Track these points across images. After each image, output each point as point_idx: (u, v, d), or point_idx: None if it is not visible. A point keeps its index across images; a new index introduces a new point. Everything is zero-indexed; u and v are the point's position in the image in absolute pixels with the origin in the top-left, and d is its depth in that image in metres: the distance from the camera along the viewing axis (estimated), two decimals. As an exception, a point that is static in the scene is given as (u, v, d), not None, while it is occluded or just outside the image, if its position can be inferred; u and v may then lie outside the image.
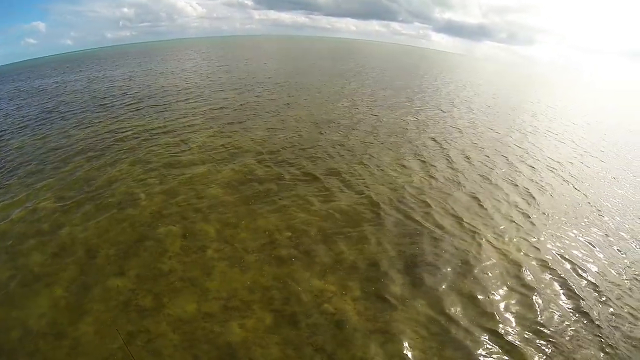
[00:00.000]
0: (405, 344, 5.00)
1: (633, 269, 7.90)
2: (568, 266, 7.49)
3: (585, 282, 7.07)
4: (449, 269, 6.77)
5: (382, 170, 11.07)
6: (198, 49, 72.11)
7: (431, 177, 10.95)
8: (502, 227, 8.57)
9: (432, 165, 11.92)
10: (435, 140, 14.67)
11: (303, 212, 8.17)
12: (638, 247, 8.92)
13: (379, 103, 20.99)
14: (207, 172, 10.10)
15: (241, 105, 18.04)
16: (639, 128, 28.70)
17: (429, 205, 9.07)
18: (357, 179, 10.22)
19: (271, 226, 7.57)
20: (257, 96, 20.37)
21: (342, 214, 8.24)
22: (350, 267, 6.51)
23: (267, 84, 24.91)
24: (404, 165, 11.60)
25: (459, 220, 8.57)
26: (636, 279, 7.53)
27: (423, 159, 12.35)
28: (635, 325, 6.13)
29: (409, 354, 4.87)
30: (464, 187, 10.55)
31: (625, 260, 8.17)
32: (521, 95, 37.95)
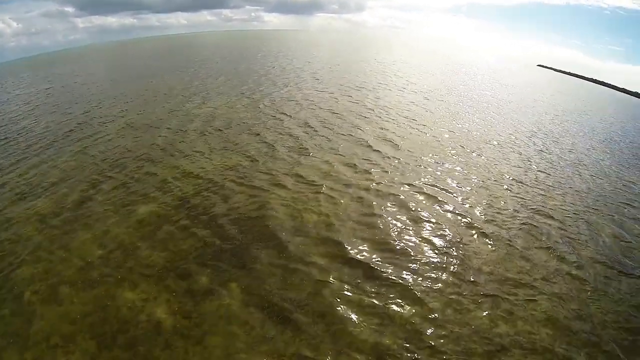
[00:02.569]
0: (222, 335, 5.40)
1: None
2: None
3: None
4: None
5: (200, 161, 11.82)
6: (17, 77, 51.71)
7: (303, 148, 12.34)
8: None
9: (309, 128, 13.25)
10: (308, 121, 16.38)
11: (116, 226, 7.98)
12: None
13: (213, 96, 21.18)
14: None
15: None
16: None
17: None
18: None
19: (85, 247, 7.34)
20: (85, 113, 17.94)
21: (150, 217, 8.31)
22: (161, 270, 6.62)
23: (104, 98, 21.70)
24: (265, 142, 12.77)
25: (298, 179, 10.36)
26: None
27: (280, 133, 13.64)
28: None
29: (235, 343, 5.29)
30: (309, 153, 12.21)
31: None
32: (357, 57, 43.30)
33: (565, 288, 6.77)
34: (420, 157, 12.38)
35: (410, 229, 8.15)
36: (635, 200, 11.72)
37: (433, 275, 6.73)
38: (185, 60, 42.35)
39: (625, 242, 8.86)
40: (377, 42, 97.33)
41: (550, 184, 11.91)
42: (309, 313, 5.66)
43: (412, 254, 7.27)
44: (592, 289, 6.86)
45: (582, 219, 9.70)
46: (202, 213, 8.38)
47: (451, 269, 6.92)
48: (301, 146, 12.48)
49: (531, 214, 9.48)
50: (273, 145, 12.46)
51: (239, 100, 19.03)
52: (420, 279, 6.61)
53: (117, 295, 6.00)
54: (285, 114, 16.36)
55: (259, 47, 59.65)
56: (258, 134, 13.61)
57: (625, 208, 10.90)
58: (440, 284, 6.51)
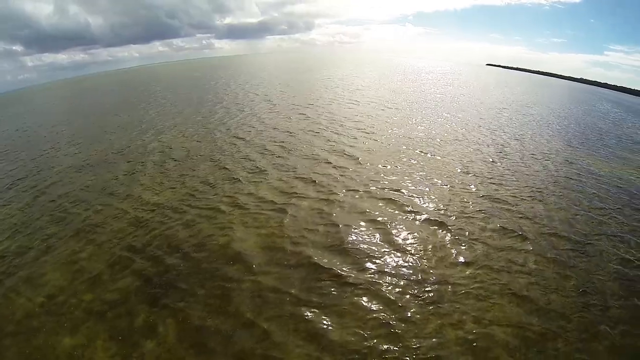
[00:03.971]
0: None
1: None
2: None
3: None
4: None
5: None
6: None
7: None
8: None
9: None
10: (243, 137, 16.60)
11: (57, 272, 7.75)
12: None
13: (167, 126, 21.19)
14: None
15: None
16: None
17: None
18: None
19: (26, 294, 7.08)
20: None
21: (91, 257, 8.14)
22: (101, 311, 6.44)
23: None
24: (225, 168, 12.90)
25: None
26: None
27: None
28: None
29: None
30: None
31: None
32: (308, 76, 44.59)
33: (521, 262, 7.38)
34: (378, 165, 12.94)
35: (371, 233, 8.46)
36: (579, 174, 13.19)
37: (396, 270, 7.02)
38: (139, 93, 41.49)
39: (572, 215, 9.78)
40: (327, 59, 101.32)
41: (503, 171, 12.93)
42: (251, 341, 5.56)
43: (374, 257, 7.51)
44: (547, 260, 7.51)
45: (532, 197, 10.62)
46: (148, 244, 8.28)
47: (412, 264, 7.26)
48: (258, 168, 12.64)
49: (486, 201, 10.23)
50: (230, 170, 12.56)
51: (194, 130, 18.95)
52: (383, 277, 6.87)
53: (57, 343, 5.78)
54: (242, 138, 16.52)
55: (212, 75, 59.80)
56: (215, 161, 13.65)
57: (569, 183, 12.16)
58: (403, 278, 6.79)
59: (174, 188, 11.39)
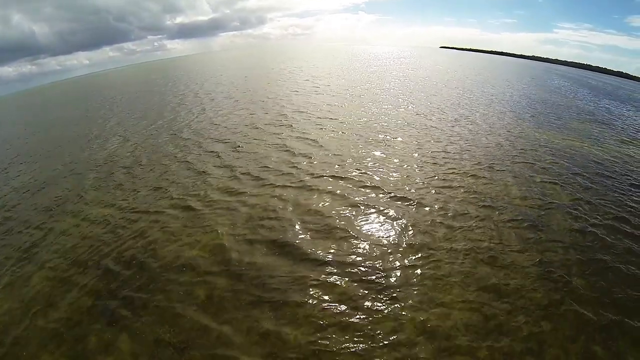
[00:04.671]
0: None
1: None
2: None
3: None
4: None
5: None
6: None
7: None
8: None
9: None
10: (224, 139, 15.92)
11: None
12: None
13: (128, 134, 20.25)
14: None
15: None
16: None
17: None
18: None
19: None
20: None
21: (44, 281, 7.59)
22: (56, 336, 6.00)
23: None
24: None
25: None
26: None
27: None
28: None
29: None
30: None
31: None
32: (264, 70, 44.20)
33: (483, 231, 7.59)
34: (343, 151, 13.03)
35: (324, 223, 8.36)
36: (533, 147, 13.76)
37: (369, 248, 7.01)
38: (95, 102, 38.93)
39: (527, 187, 10.17)
40: (282, 52, 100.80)
41: (459, 150, 13.27)
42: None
43: (329, 248, 7.44)
44: (503, 235, 7.74)
45: (487, 174, 10.97)
46: (99, 259, 7.82)
47: (367, 251, 7.26)
48: (227, 165, 12.40)
49: (442, 181, 10.43)
50: (201, 171, 12.18)
51: (158, 133, 18.14)
52: (338, 266, 6.79)
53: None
54: (209, 138, 16.08)
55: (168, 77, 57.67)
56: (183, 162, 13.22)
57: (525, 157, 12.66)
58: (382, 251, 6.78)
59: (125, 199, 10.75)
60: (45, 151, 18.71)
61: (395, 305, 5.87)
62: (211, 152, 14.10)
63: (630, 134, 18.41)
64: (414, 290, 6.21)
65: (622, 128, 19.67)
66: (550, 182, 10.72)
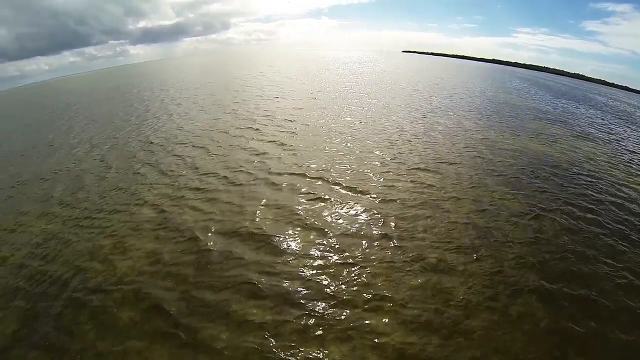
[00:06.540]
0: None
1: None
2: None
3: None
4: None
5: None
6: None
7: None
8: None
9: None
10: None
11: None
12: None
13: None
14: None
15: None
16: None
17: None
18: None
19: None
20: None
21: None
22: None
23: None
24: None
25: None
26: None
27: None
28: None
29: None
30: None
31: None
32: (229, 76, 43.88)
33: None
34: (308, 152, 13.20)
35: (285, 222, 8.33)
36: (491, 147, 14.32)
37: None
38: (57, 109, 36.28)
39: (483, 184, 10.55)
40: (245, 57, 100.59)
41: (418, 150, 13.60)
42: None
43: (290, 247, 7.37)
44: (460, 226, 7.90)
45: (444, 174, 11.22)
46: (32, 282, 7.16)
47: (329, 247, 7.20)
48: (197, 167, 12.29)
49: (400, 182, 10.59)
50: (170, 174, 11.92)
51: (127, 141, 17.32)
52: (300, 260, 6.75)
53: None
54: (180, 143, 15.68)
55: (133, 83, 55.54)
56: (155, 168, 12.77)
57: (482, 157, 13.17)
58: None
59: (69, 216, 9.95)
60: (30, 152, 17.89)
61: (357, 297, 5.90)
62: (179, 155, 13.92)
63: (584, 129, 19.78)
64: (377, 281, 6.29)
65: (578, 125, 21.09)
66: (506, 180, 11.18)
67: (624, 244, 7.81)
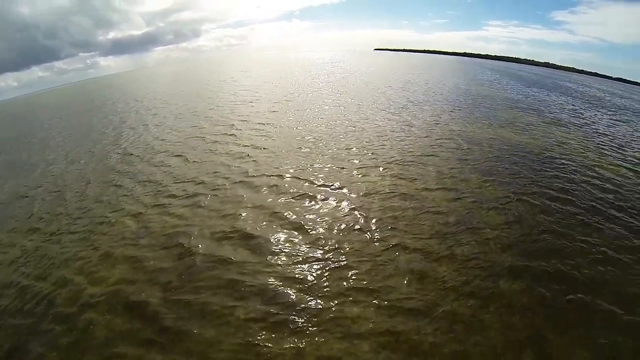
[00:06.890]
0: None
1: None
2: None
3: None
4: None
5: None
6: None
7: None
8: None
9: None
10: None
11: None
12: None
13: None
14: None
15: None
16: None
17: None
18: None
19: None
20: None
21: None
22: None
23: None
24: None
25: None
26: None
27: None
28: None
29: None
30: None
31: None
32: (201, 83, 43.41)
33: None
34: (285, 153, 13.13)
35: (267, 222, 8.23)
36: (466, 138, 14.53)
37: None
38: (31, 126, 35.04)
39: (458, 174, 10.69)
40: (216, 64, 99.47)
41: (395, 146, 13.65)
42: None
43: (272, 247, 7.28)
44: (437, 215, 7.97)
45: (422, 155, 11.42)
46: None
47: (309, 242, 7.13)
48: (176, 175, 12.05)
49: (389, 164, 10.74)
50: (149, 184, 11.63)
51: (105, 153, 16.74)
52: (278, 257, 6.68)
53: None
54: (158, 152, 15.33)
55: (105, 96, 53.83)
56: (134, 179, 12.38)
57: (458, 148, 13.39)
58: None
59: (52, 232, 9.59)
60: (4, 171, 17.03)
61: (340, 286, 5.87)
62: (157, 165, 13.59)
63: (555, 116, 20.35)
64: (361, 274, 6.28)
65: (549, 112, 21.69)
66: (479, 166, 11.42)
67: (599, 220, 8.06)
